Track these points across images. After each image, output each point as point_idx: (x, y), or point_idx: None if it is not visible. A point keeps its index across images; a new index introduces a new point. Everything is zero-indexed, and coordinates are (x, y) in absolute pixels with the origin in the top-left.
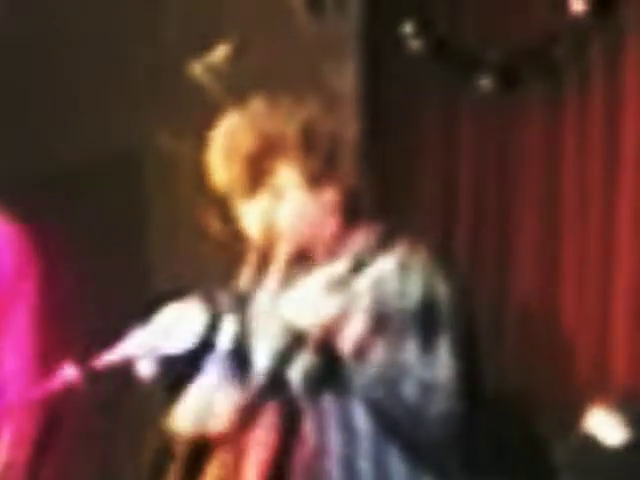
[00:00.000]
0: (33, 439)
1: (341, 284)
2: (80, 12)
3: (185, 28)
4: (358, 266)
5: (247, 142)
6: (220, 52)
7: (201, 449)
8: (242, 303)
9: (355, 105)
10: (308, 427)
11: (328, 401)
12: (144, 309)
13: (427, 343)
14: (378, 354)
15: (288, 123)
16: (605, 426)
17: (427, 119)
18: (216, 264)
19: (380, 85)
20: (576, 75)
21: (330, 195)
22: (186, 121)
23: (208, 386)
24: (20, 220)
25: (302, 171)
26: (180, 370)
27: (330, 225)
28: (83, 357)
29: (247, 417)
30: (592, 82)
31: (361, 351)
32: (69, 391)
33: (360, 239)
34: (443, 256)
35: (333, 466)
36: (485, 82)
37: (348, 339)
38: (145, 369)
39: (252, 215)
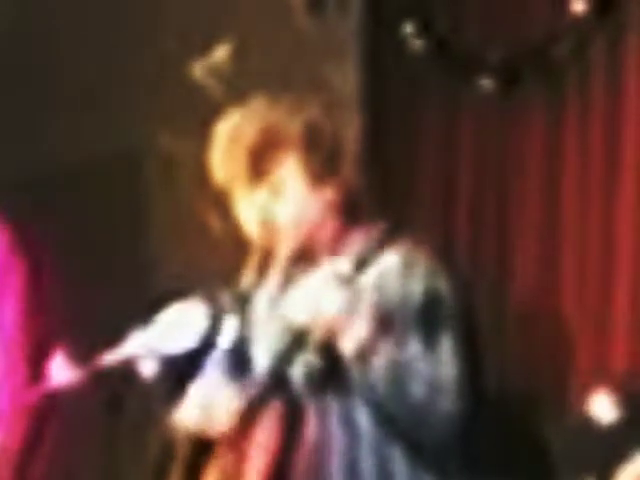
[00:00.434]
0: (23, 439)
1: (344, 282)
2: (81, 12)
3: (186, 28)
4: (361, 264)
5: (249, 135)
6: (221, 52)
7: (203, 449)
8: (243, 303)
9: (355, 105)
10: (310, 427)
11: (330, 400)
12: (146, 309)
13: (430, 341)
14: (382, 354)
15: (291, 120)
16: (599, 406)
17: (428, 119)
18: (217, 264)
19: (381, 85)
20: (577, 75)
21: (330, 194)
22: (187, 121)
23: (211, 385)
24: (14, 219)
25: (303, 168)
26: (182, 370)
27: (331, 225)
28: (85, 357)
29: (249, 417)
30: (593, 82)
31: (365, 352)
32: (66, 391)
33: (362, 237)
34: (444, 254)
35: (335, 466)
36: (486, 82)
37: (351, 340)
38: (147, 369)
39: (250, 211)
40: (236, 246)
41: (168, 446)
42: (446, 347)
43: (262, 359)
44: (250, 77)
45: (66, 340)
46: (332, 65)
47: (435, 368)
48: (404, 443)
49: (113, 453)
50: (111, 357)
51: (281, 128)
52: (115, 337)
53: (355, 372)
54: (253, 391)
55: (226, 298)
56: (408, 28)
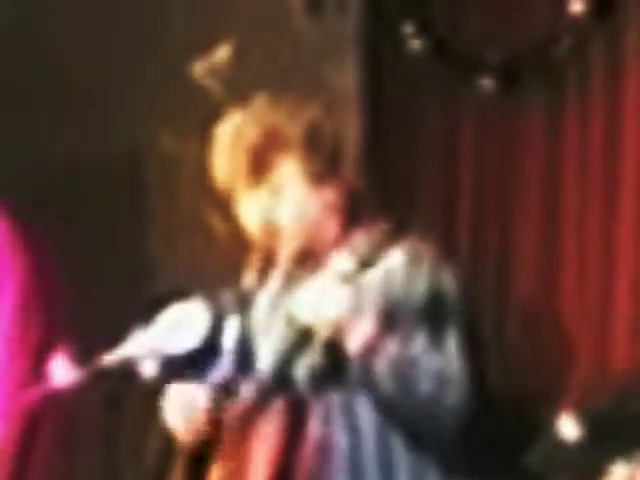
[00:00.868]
0: (20, 439)
1: (349, 281)
2: (81, 12)
3: (186, 28)
4: (365, 262)
5: (250, 136)
6: (221, 53)
7: (205, 448)
8: (245, 303)
9: (356, 105)
10: (313, 425)
11: (333, 399)
12: (147, 309)
13: (436, 336)
14: (388, 351)
15: (291, 121)
16: (565, 425)
17: (428, 119)
18: (219, 264)
19: (380, 85)
20: (577, 75)
21: (331, 195)
22: (188, 121)
23: (187, 388)
24: (15, 218)
25: (304, 169)
26: (183, 370)
27: (333, 225)
28: (86, 357)
29: (253, 416)
30: (593, 82)
31: (371, 350)
32: (67, 391)
33: (366, 236)
34: (445, 253)
35: (338, 464)
36: (486, 82)
37: (357, 339)
38: (148, 369)
39: (252, 211)
40: (237, 246)
41: (169, 446)
42: (451, 342)
43: (266, 358)
44: (250, 77)
45: (66, 340)
46: (332, 65)
47: (441, 363)
48: (407, 442)
49: (113, 453)
50: (112, 357)
51: (281, 129)
52: (116, 337)
53: (361, 369)
54: (257, 389)
55: (227, 298)
56: (408, 28)
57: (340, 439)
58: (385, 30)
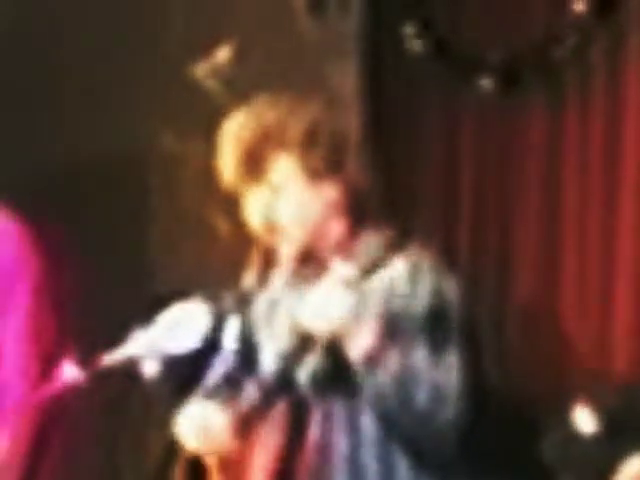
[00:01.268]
0: (31, 441)
1: (352, 288)
2: (82, 12)
3: (187, 29)
4: (369, 270)
5: (247, 134)
6: (223, 53)
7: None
8: (247, 303)
9: (356, 105)
10: (314, 428)
11: (335, 402)
12: (148, 309)
13: (437, 348)
14: (389, 360)
15: (291, 118)
16: (582, 417)
17: (428, 119)
18: (220, 263)
19: (381, 85)
20: (577, 76)
21: (333, 192)
22: (189, 121)
23: (205, 406)
24: (21, 219)
25: (302, 166)
26: (184, 370)
27: (336, 225)
28: (87, 357)
29: (254, 418)
30: (593, 83)
31: (372, 358)
32: (70, 392)
33: (369, 241)
34: (446, 253)
35: (338, 467)
36: (486, 82)
37: (358, 346)
38: (149, 369)
39: (254, 209)
40: (239, 246)
41: (171, 446)
42: (451, 355)
43: (268, 360)
44: (251, 78)
45: (72, 340)
46: (333, 66)
47: (441, 374)
48: (407, 446)
49: (114, 453)
50: (113, 357)
51: (279, 126)
52: (117, 337)
53: (361, 377)
54: (258, 392)
55: (229, 298)
56: (408, 29)
57: (341, 443)
58: (386, 31)
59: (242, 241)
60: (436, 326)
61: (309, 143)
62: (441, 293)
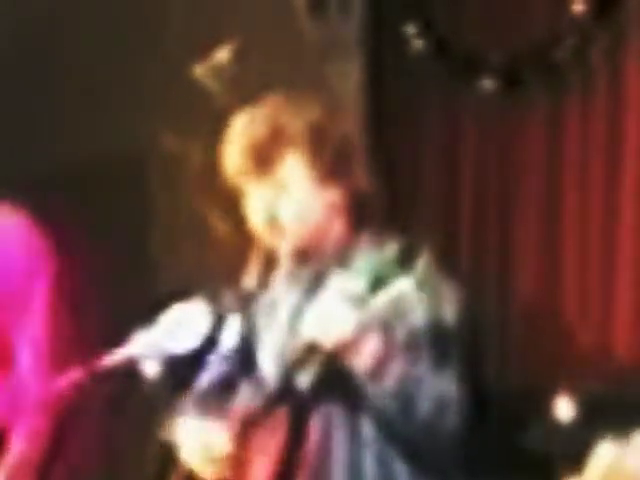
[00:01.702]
0: (46, 438)
1: (358, 302)
2: (83, 12)
3: (188, 29)
4: (375, 284)
5: (257, 131)
6: (223, 54)
7: None
8: (247, 303)
9: (358, 105)
10: (314, 434)
11: (335, 409)
12: (148, 309)
13: (439, 358)
14: (392, 371)
15: (301, 118)
16: (561, 406)
17: (429, 119)
18: (221, 264)
19: (382, 85)
20: (578, 76)
21: (336, 195)
22: (190, 121)
23: (205, 426)
24: (33, 219)
25: (309, 167)
26: (185, 370)
27: (338, 228)
28: (88, 357)
29: (254, 422)
30: (594, 83)
31: (376, 370)
32: (78, 390)
33: (372, 247)
34: (448, 252)
35: (338, 474)
36: (487, 83)
37: (362, 359)
38: (150, 369)
39: (256, 208)
40: (239, 246)
41: (171, 446)
42: (453, 364)
43: (268, 363)
44: (252, 78)
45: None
46: (334, 66)
47: (442, 385)
48: (407, 452)
49: (115, 453)
50: (114, 357)
51: (289, 126)
52: (118, 337)
53: (363, 387)
54: (258, 395)
55: (230, 298)
56: (410, 29)
57: (340, 449)
58: (387, 31)
59: (242, 241)
60: (438, 337)
61: (317, 143)
62: (442, 307)
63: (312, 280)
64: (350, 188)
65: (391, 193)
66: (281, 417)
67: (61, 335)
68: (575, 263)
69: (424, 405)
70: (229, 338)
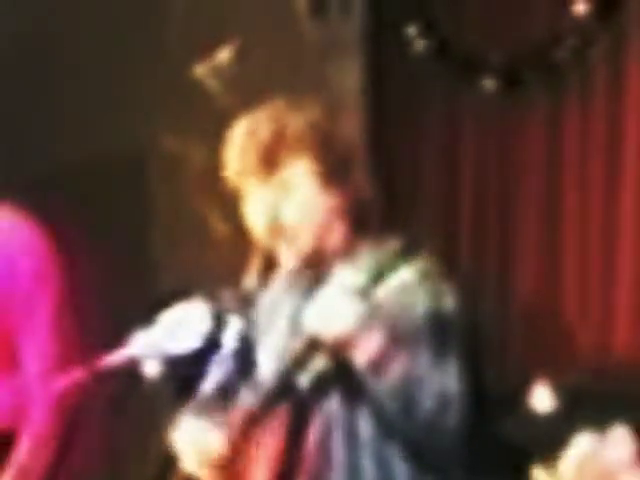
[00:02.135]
0: (52, 439)
1: (359, 296)
2: (83, 12)
3: (189, 29)
4: (376, 278)
5: (264, 131)
6: (224, 54)
7: None
8: (247, 303)
9: (359, 106)
10: (314, 433)
11: (335, 407)
12: (149, 309)
13: (439, 354)
14: (394, 367)
15: (306, 120)
16: (540, 398)
17: (430, 119)
18: (221, 264)
19: (383, 86)
20: (578, 76)
21: (339, 199)
22: (190, 121)
23: (198, 426)
24: (37, 221)
25: (315, 170)
26: (185, 370)
27: (340, 231)
28: (89, 357)
29: (254, 421)
30: (594, 84)
31: (377, 365)
32: (80, 390)
33: (373, 249)
34: (448, 252)
35: (337, 472)
36: (487, 83)
37: (364, 354)
38: (151, 369)
39: (257, 208)
40: (239, 247)
41: (168, 456)
42: (453, 361)
43: (268, 362)
44: (253, 78)
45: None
46: (335, 66)
47: (443, 382)
48: (407, 450)
49: (117, 452)
50: (115, 357)
51: (295, 128)
52: (118, 337)
53: (366, 382)
54: (258, 395)
55: (230, 298)
56: (411, 30)
57: (339, 445)
58: (388, 32)
59: (243, 241)
60: (438, 332)
61: (323, 146)
62: (442, 299)
63: (312, 281)
64: (351, 192)
65: (391, 193)
66: (281, 417)
67: (66, 337)
68: (575, 263)
69: (426, 403)
70: (229, 339)
